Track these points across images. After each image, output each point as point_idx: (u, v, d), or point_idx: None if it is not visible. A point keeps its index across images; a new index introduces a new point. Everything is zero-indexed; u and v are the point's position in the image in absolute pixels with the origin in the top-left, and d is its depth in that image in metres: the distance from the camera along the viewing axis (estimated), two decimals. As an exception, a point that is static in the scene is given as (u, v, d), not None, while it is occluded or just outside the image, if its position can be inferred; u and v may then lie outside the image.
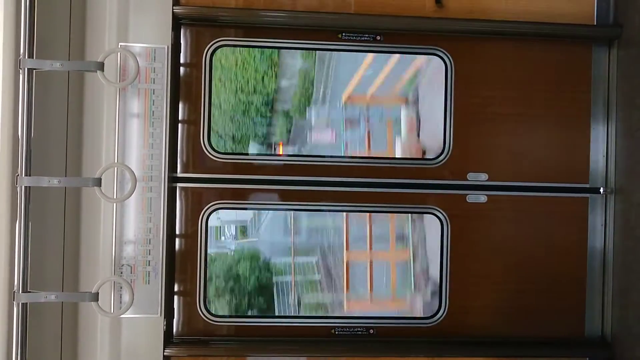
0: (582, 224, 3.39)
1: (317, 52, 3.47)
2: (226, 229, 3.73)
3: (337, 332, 3.30)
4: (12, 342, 2.71)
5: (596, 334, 3.38)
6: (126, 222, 3.01)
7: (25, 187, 2.74)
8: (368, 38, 3.29)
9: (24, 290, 2.74)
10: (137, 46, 3.01)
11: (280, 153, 3.50)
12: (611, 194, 3.34)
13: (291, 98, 3.61)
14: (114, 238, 3.00)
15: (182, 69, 3.22)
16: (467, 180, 3.33)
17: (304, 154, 3.47)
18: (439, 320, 3.33)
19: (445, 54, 3.31)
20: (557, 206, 3.37)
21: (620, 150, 3.31)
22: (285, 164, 3.32)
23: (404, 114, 3.55)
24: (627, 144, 3.25)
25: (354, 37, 3.29)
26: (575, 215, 3.39)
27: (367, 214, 3.59)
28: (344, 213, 3.54)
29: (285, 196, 3.30)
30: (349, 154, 3.55)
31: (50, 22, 2.93)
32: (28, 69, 2.75)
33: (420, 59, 3.44)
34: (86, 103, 3.00)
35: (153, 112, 3.03)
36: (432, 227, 3.40)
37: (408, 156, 3.55)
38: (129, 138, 3.02)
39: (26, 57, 2.75)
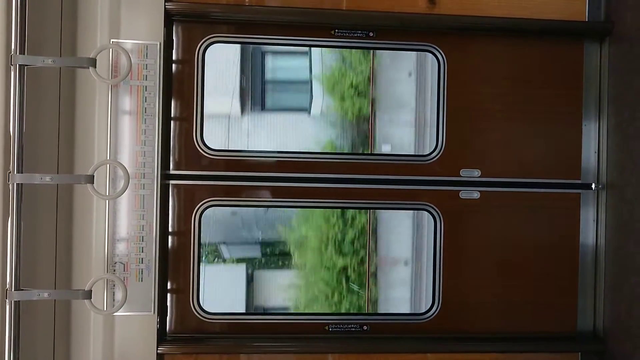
0: (574, 220, 3.40)
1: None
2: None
3: (330, 329, 3.30)
4: (4, 341, 2.69)
5: (588, 329, 3.40)
6: (119, 219, 3.00)
7: (17, 184, 2.72)
8: (361, 34, 3.29)
9: (17, 288, 2.72)
10: (129, 42, 3.00)
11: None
12: (603, 189, 3.36)
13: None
14: (107, 236, 2.99)
15: (174, 66, 3.20)
16: (460, 176, 3.34)
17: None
18: (432, 316, 3.33)
19: (438, 51, 3.31)
20: (549, 202, 3.39)
21: (612, 146, 3.32)
22: (278, 161, 3.31)
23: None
24: (619, 140, 3.26)
25: (347, 34, 3.28)
26: (567, 211, 3.40)
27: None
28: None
29: (278, 193, 3.29)
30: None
31: (42, 19, 2.90)
32: (19, 66, 2.73)
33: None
34: (78, 100, 2.98)
35: (145, 109, 3.01)
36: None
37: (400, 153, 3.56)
38: (121, 135, 3.00)
39: (17, 53, 2.73)
